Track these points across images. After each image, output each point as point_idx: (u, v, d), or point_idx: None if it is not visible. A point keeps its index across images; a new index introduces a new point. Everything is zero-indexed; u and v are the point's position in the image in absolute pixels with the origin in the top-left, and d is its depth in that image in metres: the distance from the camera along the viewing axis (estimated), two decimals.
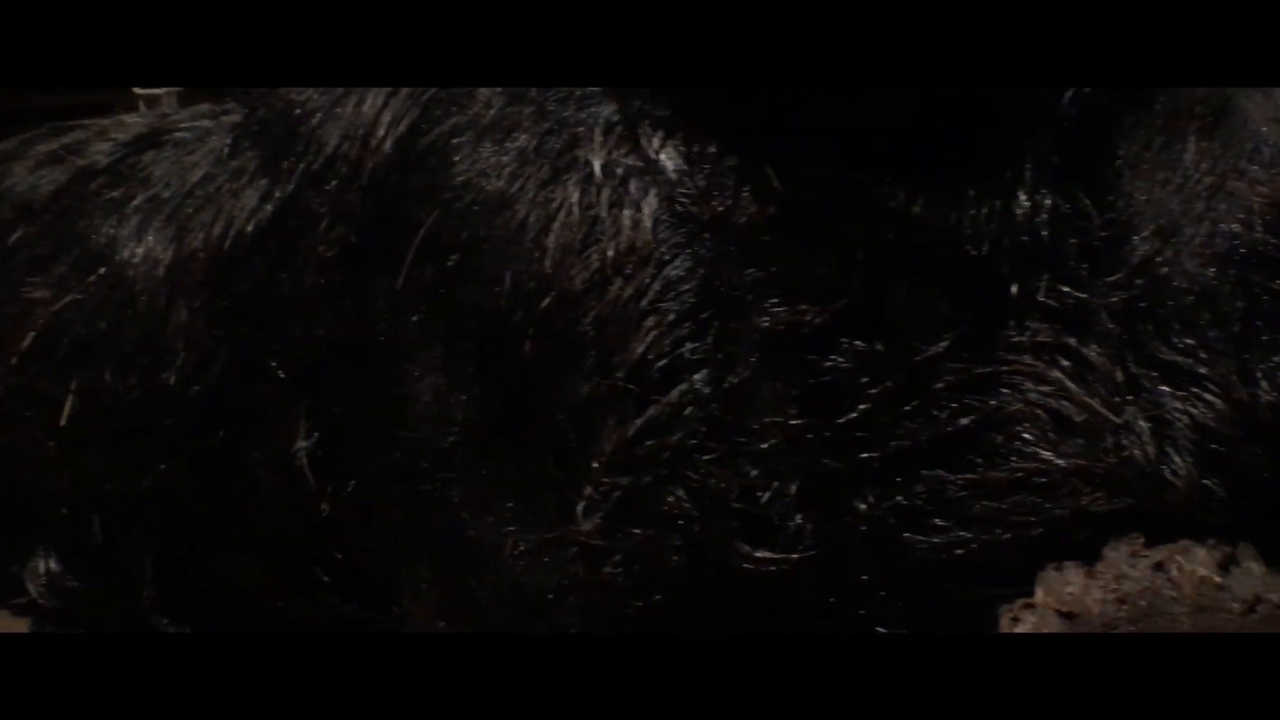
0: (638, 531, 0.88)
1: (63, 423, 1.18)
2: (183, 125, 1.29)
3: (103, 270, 1.20)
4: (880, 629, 0.88)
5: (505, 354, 0.94)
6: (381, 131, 1.07)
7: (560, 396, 0.90)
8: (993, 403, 0.84)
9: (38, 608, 1.31)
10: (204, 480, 1.13)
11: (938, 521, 0.87)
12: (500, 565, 0.95)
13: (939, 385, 0.86)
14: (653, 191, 0.92)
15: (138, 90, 2.72)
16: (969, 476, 0.86)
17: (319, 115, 1.12)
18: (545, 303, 0.92)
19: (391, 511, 1.03)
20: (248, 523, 1.14)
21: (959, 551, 0.87)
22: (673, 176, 0.92)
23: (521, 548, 0.94)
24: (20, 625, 1.35)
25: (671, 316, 0.89)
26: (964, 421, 0.86)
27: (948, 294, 0.86)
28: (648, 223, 0.91)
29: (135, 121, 1.38)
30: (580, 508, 0.88)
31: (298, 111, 1.15)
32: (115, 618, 1.23)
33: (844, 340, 0.86)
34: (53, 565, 1.23)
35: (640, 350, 0.89)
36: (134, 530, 1.17)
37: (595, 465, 0.89)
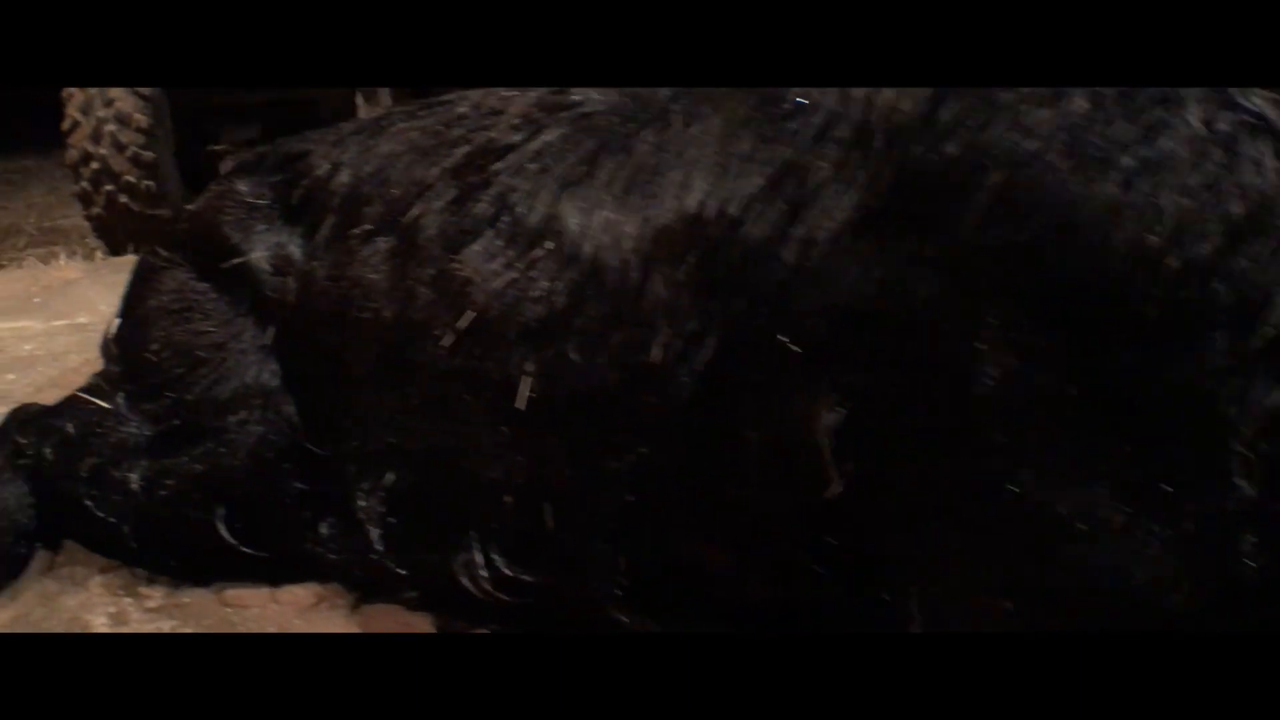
0: None
1: (520, 405, 1.12)
2: (595, 99, 1.23)
3: (549, 245, 1.15)
4: None
5: (1116, 319, 0.88)
6: (892, 93, 1.02)
7: (1194, 361, 0.85)
8: None
9: (445, 601, 1.25)
10: (686, 462, 1.07)
11: None
12: (1098, 542, 0.89)
13: None
14: (1269, 147, 0.87)
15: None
16: None
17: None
18: (1170, 264, 0.86)
19: (935, 489, 0.97)
20: (730, 508, 1.08)
21: None
22: None
23: (1132, 522, 0.88)
24: (421, 621, 1.30)
25: None
26: None
27: None
28: (1273, 178, 0.86)
29: (514, 97, 1.32)
30: (1235, 475, 0.83)
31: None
32: (563, 609, 1.17)
33: None
34: (494, 557, 1.17)
35: None
36: (597, 517, 1.11)
37: (1246, 431, 0.83)
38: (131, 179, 3.12)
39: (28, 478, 1.51)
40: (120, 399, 1.49)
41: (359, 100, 2.89)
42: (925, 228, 0.96)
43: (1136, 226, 0.87)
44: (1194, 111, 0.89)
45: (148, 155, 3.11)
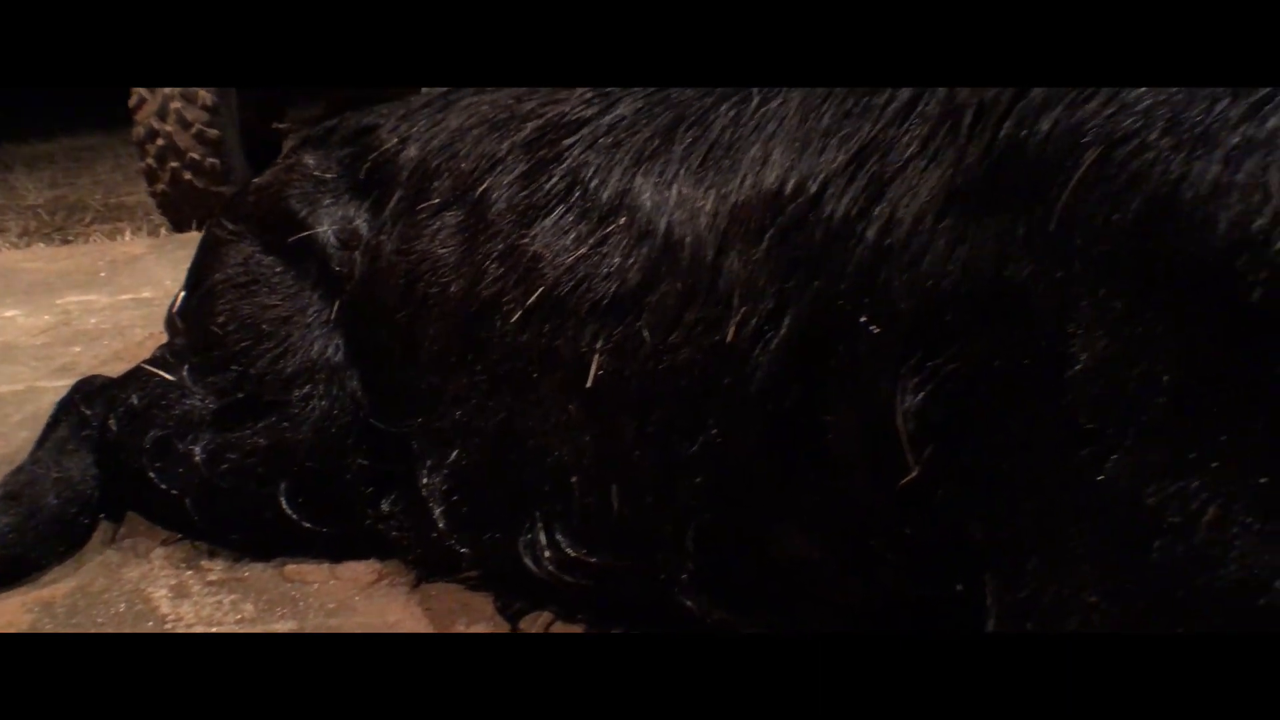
0: None
1: (589, 384, 1.10)
2: None
3: (622, 220, 1.12)
4: None
5: (1218, 304, 0.83)
6: None
7: None
8: None
9: (506, 581, 1.24)
10: (764, 445, 1.04)
11: None
12: (1194, 537, 0.85)
13: None
14: None
15: None
16: None
17: None
18: (1277, 249, 0.81)
19: (1024, 477, 0.94)
20: (806, 493, 1.04)
21: None
22: None
23: (1229, 516, 0.84)
24: (480, 601, 1.28)
25: None
26: None
27: None
28: None
29: None
30: None
31: None
32: (630, 593, 1.15)
33: None
34: (559, 537, 1.15)
35: None
36: (668, 501, 1.09)
37: None
38: (196, 156, 3.14)
39: (92, 449, 1.51)
40: (185, 372, 1.48)
41: None
42: (1016, 206, 0.92)
43: (1242, 207, 0.82)
44: None
45: (212, 133, 3.13)
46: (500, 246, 1.19)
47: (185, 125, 3.11)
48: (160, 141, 3.18)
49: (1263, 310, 0.82)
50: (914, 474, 0.98)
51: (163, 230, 3.56)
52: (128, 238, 3.44)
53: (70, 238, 3.62)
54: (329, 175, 1.46)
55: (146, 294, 2.64)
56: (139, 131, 3.21)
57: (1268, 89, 0.86)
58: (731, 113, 1.11)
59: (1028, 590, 0.96)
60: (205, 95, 3.10)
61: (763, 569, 1.09)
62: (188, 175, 3.16)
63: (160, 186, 3.28)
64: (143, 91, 3.16)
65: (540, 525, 1.15)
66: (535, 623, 1.23)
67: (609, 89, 1.21)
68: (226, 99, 3.20)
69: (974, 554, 1.00)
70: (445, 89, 1.46)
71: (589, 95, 1.23)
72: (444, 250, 1.25)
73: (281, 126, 3.47)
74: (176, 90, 3.08)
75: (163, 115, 3.14)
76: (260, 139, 3.42)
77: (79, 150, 5.69)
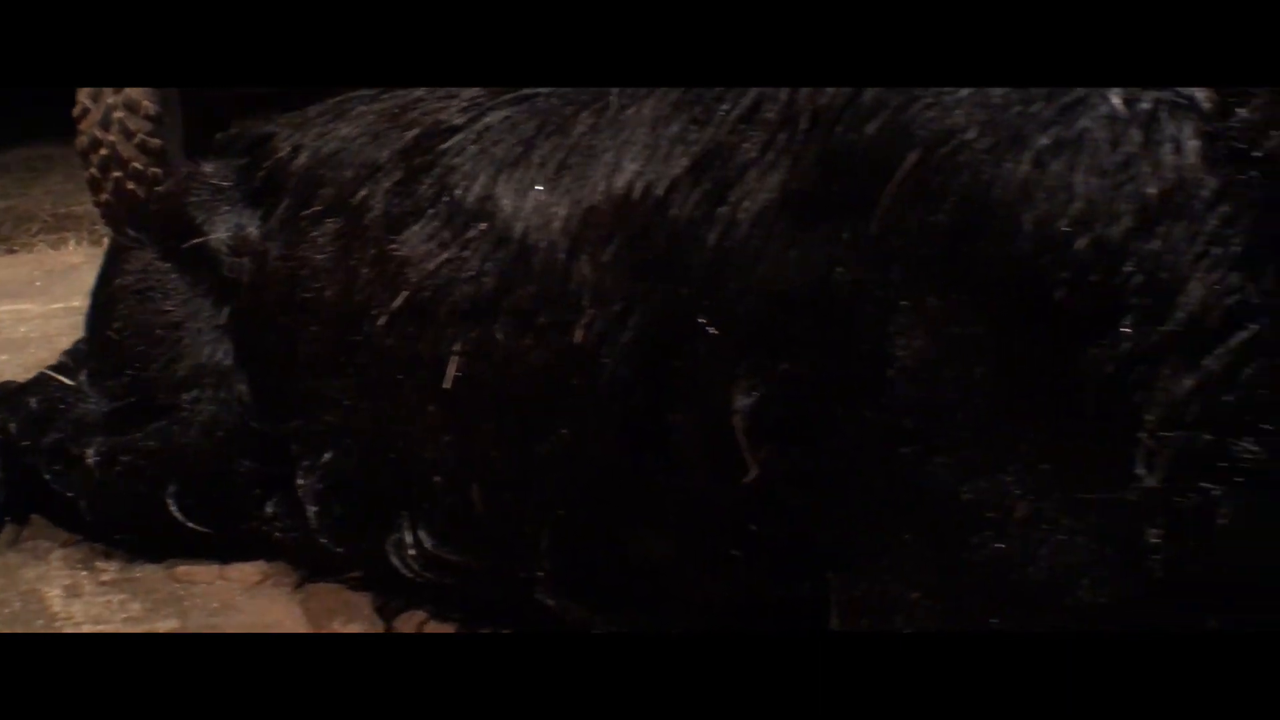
0: (1200, 488, 0.80)
1: (447, 385, 1.12)
2: None
3: (483, 226, 1.14)
4: None
5: (1026, 303, 0.86)
6: None
7: (1102, 347, 0.83)
8: None
9: (386, 582, 1.25)
10: (612, 446, 1.06)
11: None
12: (1007, 531, 0.88)
13: None
14: (1190, 126, 0.84)
15: None
16: None
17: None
18: (1079, 247, 0.84)
19: (851, 476, 0.96)
20: (656, 493, 1.07)
21: None
22: (1211, 110, 0.84)
23: (1038, 511, 0.86)
24: (361, 600, 1.30)
25: (1225, 260, 0.82)
26: None
27: None
28: (1190, 159, 0.84)
29: None
30: (1138, 465, 0.81)
31: None
32: (493, 592, 1.17)
33: None
34: (423, 536, 1.17)
35: (1194, 296, 0.81)
36: (525, 500, 1.11)
37: (1149, 419, 0.81)
38: (139, 165, 3.14)
39: None
40: (83, 376, 1.50)
41: None
42: (844, 209, 0.95)
43: (1048, 207, 0.85)
44: (1116, 90, 0.86)
45: (155, 142, 3.12)
46: (373, 252, 1.21)
47: (128, 135, 3.11)
48: (104, 151, 3.18)
49: (1067, 309, 0.85)
50: (753, 474, 1.00)
51: (106, 240, 3.55)
52: (71, 247, 3.44)
53: (15, 248, 3.61)
54: (226, 183, 1.48)
55: (76, 303, 2.63)
56: (83, 141, 3.21)
57: (1082, 89, 0.88)
58: (590, 120, 1.13)
59: (862, 588, 0.99)
60: (148, 105, 3.10)
61: (620, 568, 1.11)
62: (131, 185, 3.15)
63: (104, 196, 3.27)
64: (86, 101, 3.16)
65: (407, 525, 1.18)
66: (410, 622, 1.25)
67: (480, 98, 1.23)
68: (170, 109, 3.20)
69: (817, 552, 1.02)
70: (340, 97, 1.48)
71: (465, 104, 1.25)
72: (322, 257, 1.27)
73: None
74: (120, 100, 3.08)
75: (106, 125, 3.14)
76: (205, 149, 3.41)
77: (34, 160, 5.67)
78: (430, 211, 1.18)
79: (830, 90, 0.99)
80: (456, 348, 1.11)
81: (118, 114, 3.08)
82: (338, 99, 1.46)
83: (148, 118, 3.08)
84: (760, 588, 1.07)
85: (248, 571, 1.40)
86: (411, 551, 1.17)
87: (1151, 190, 0.83)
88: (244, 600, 1.35)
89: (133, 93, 3.10)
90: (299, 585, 1.35)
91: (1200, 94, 0.85)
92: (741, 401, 0.98)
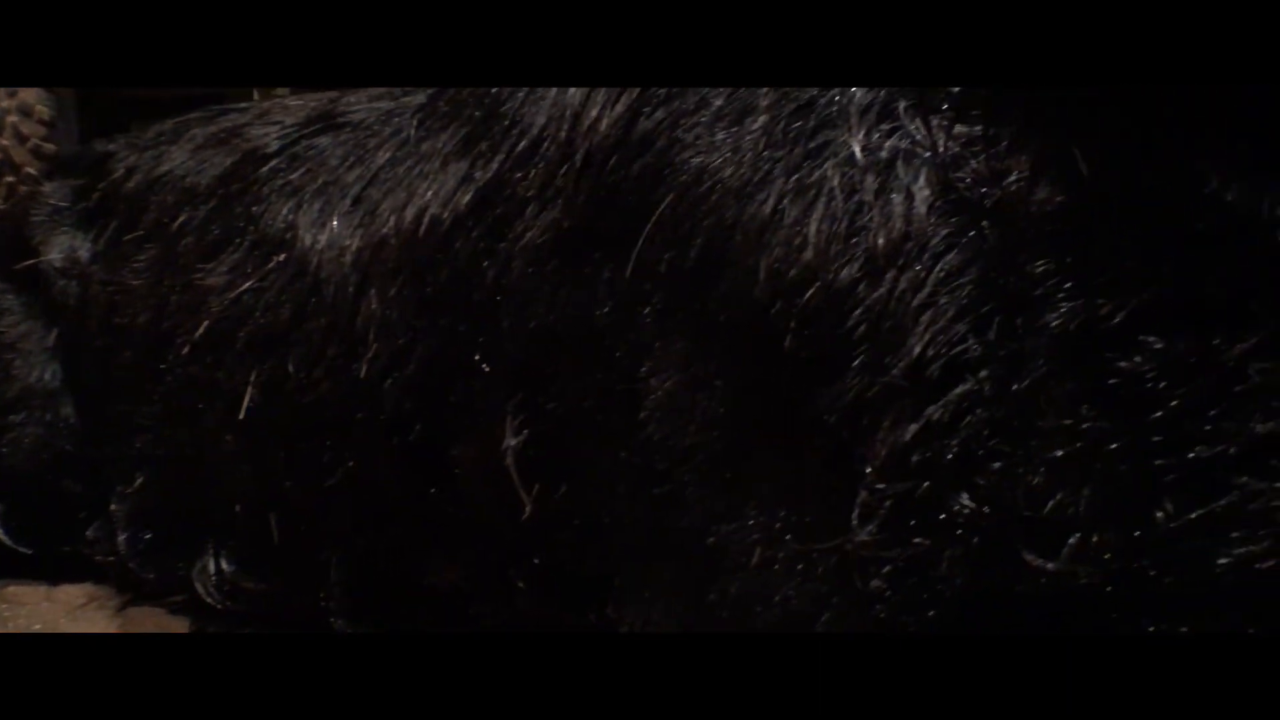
0: (916, 541, 0.81)
1: (241, 416, 1.12)
2: (357, 108, 1.23)
3: (282, 257, 1.15)
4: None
5: (761, 349, 0.87)
6: (595, 111, 1.01)
7: (828, 396, 0.84)
8: None
9: (203, 607, 1.26)
10: (398, 478, 1.07)
11: (1242, 533, 0.80)
12: (746, 574, 0.89)
13: (1247, 387, 0.79)
14: (924, 175, 0.85)
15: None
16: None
17: (521, 95, 1.06)
18: (809, 295, 0.85)
19: (613, 515, 0.97)
20: (443, 523, 1.08)
21: (1263, 565, 0.80)
22: (947, 159, 0.85)
23: (773, 556, 0.88)
24: (179, 624, 1.30)
25: (951, 311, 0.83)
26: (1275, 426, 0.79)
27: (1259, 289, 0.79)
28: (921, 209, 0.85)
29: (299, 104, 1.32)
30: (854, 516, 0.82)
31: (494, 91, 1.09)
32: (292, 619, 1.17)
33: (1145, 338, 0.79)
34: (224, 564, 1.17)
35: (917, 347, 0.82)
36: (317, 529, 1.11)
37: (869, 470, 0.82)
38: (33, 171, 3.11)
39: None
40: None
41: (254, 95, 2.88)
42: (608, 248, 0.96)
43: (782, 252, 0.85)
44: (858, 134, 0.87)
45: (49, 147, 3.10)
46: (181, 280, 1.21)
47: (21, 139, 3.09)
48: None
49: (797, 358, 0.85)
50: (528, 511, 1.01)
51: None
52: None
53: None
54: (64, 204, 1.48)
55: None
56: None
57: (827, 130, 0.89)
58: (389, 153, 1.14)
59: (632, 625, 1.00)
60: (42, 109, 3.07)
61: (414, 596, 1.12)
62: (24, 190, 3.13)
63: None
64: None
65: (210, 553, 1.18)
66: None
67: (292, 127, 1.23)
68: (65, 113, 3.18)
69: (594, 587, 1.03)
70: (181, 117, 1.47)
71: (283, 130, 1.25)
72: (138, 282, 1.27)
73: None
74: (13, 104, 3.06)
75: None
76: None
77: None
78: (237, 240, 1.19)
79: (604, 127, 0.99)
80: (252, 378, 1.11)
81: (10, 118, 3.06)
82: (178, 119, 1.46)
83: (41, 122, 3.05)
84: (552, 618, 1.08)
85: (73, 593, 1.40)
86: (214, 579, 1.17)
87: (880, 240, 0.84)
88: (66, 622, 1.34)
89: (27, 96, 3.07)
90: (122, 608, 1.35)
91: (941, 142, 0.86)
92: (510, 440, 0.99)
